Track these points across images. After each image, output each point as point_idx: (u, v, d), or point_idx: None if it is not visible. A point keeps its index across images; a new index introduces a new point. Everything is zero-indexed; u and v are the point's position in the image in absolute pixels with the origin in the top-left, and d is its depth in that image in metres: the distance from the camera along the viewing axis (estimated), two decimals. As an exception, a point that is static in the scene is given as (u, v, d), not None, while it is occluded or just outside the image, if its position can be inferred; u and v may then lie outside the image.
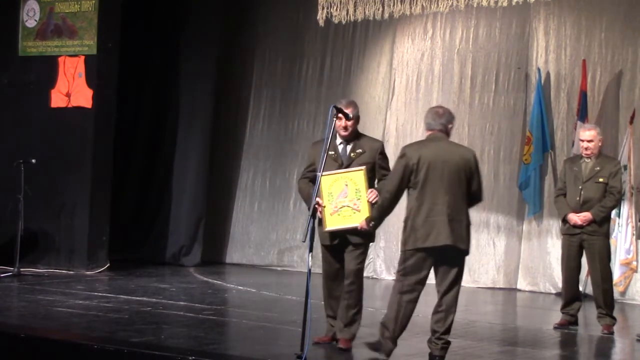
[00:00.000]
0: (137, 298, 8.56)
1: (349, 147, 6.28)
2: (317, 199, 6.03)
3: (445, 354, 5.85)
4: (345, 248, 6.24)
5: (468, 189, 5.93)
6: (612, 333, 7.52)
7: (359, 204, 6.07)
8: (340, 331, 6.27)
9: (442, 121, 5.96)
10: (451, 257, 5.96)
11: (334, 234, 6.20)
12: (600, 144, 7.78)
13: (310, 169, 6.39)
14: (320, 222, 6.22)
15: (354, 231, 6.15)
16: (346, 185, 6.10)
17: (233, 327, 7.72)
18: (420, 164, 5.79)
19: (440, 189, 5.81)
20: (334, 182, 6.12)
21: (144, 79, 12.46)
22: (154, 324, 7.20)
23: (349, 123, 6.19)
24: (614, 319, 7.64)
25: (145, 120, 12.70)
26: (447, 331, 5.95)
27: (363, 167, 6.14)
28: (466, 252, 6.07)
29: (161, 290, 9.31)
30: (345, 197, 6.08)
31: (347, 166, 6.21)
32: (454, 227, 5.87)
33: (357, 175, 6.11)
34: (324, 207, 6.10)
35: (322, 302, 5.80)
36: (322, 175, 5.97)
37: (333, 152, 6.22)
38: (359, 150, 6.26)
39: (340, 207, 6.09)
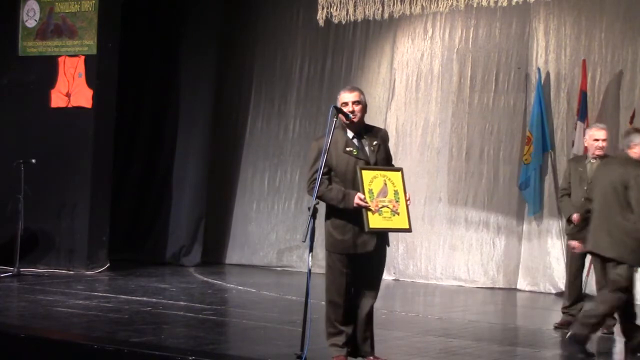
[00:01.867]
0: (137, 298, 8.57)
1: (364, 141, 5.75)
2: (360, 194, 5.53)
3: None
4: (368, 254, 5.72)
5: None
6: (612, 333, 7.53)
7: (397, 207, 5.62)
8: (370, 348, 5.80)
9: None
10: None
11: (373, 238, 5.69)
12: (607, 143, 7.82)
13: (316, 167, 5.62)
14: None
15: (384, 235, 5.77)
16: (385, 184, 5.64)
17: (233, 327, 7.72)
18: None
19: None
20: (373, 179, 5.61)
21: (144, 79, 12.46)
22: (154, 324, 7.20)
23: (357, 108, 5.70)
24: (614, 318, 7.64)
25: (145, 120, 12.71)
26: None
27: (401, 168, 5.77)
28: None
29: (161, 290, 9.31)
30: (384, 197, 5.60)
31: (375, 163, 5.73)
32: None
33: (396, 176, 5.68)
34: (369, 205, 5.54)
35: (322, 303, 5.73)
36: (361, 169, 5.58)
37: (351, 149, 5.69)
38: (375, 142, 5.78)
39: (381, 207, 5.59)
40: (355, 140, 5.74)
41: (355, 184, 5.58)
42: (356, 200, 5.51)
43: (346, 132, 5.74)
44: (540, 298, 10.19)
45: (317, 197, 5.50)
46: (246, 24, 12.73)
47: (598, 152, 7.65)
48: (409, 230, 5.71)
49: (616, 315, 7.53)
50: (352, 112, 5.69)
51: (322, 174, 5.55)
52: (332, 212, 5.67)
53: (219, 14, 12.32)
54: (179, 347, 6.22)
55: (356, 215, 5.56)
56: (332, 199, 5.61)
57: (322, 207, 5.53)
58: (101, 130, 10.99)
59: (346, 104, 5.70)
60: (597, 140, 7.67)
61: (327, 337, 5.73)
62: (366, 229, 5.54)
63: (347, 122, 5.70)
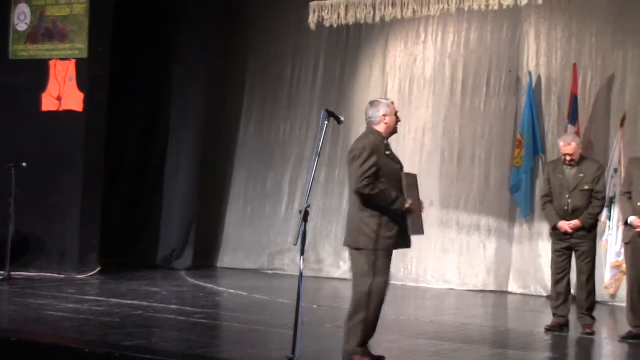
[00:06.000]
0: (129, 302, 8.55)
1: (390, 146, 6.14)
2: (409, 200, 5.86)
3: None
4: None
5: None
6: (592, 333, 7.59)
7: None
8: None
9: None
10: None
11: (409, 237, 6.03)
12: (580, 151, 7.85)
13: (367, 166, 5.80)
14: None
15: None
16: (417, 188, 6.08)
17: (224, 330, 7.72)
18: None
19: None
20: (409, 185, 5.97)
21: (135, 82, 12.44)
22: (145, 328, 7.19)
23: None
24: (594, 318, 7.73)
25: (136, 124, 12.70)
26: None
27: (416, 174, 6.14)
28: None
29: (152, 294, 9.30)
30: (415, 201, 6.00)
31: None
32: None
33: (416, 179, 6.11)
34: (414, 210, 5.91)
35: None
36: (406, 175, 5.95)
37: (389, 152, 6.03)
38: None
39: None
40: (388, 145, 6.08)
41: (398, 187, 5.88)
42: (406, 205, 5.84)
43: (382, 138, 6.02)
44: (531, 301, 10.21)
45: (372, 195, 5.75)
46: (239, 28, 12.72)
47: (568, 162, 7.72)
48: (423, 233, 6.14)
49: (592, 314, 7.62)
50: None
51: (371, 175, 5.78)
52: (379, 211, 5.81)
53: (212, 17, 12.32)
54: (170, 350, 6.22)
55: (397, 216, 5.87)
56: (386, 200, 5.80)
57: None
58: (92, 133, 10.97)
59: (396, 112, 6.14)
60: (565, 154, 7.77)
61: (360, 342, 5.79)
62: (410, 232, 5.92)
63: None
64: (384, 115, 6.01)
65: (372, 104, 6.09)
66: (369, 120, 6.04)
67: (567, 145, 7.80)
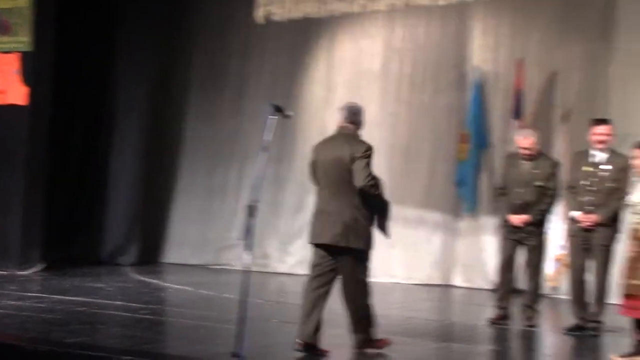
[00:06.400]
0: (72, 298, 8.44)
1: None
2: None
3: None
4: None
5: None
6: (535, 325, 7.69)
7: None
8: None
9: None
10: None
11: None
12: (538, 146, 7.93)
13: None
14: None
15: None
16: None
17: (170, 326, 7.67)
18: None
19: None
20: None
21: (80, 76, 12.28)
22: (89, 324, 7.10)
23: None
24: (537, 311, 7.83)
25: (81, 118, 12.54)
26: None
27: None
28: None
29: (96, 290, 9.19)
30: None
31: None
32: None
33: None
34: None
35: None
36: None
37: None
38: None
39: None
40: None
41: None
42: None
43: None
44: (476, 294, 10.31)
45: (376, 195, 6.05)
46: (185, 22, 12.63)
47: (525, 155, 7.80)
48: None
49: (536, 307, 7.73)
50: None
51: (375, 176, 6.08)
52: (371, 213, 6.11)
53: (158, 11, 12.21)
54: (114, 347, 6.15)
55: (380, 218, 6.25)
56: (383, 203, 6.15)
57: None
58: (36, 127, 10.81)
59: None
60: (522, 148, 7.84)
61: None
62: (388, 235, 6.31)
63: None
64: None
65: (357, 107, 6.53)
66: (359, 123, 6.39)
67: (525, 139, 7.88)
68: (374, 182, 5.98)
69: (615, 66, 10.15)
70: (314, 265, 6.22)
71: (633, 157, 6.31)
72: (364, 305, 6.21)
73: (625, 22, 10.14)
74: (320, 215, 6.15)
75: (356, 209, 6.00)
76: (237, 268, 11.46)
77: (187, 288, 9.78)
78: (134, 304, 8.23)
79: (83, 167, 12.46)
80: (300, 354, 6.02)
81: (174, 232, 12.52)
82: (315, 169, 6.29)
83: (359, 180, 5.95)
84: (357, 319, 6.22)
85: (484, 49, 10.94)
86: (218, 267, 12.01)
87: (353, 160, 5.99)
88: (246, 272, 5.43)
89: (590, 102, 10.27)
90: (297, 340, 6.03)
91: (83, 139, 12.51)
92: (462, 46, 11.09)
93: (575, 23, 10.48)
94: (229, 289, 9.57)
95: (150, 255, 12.27)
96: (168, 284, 10.21)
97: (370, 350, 6.20)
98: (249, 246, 5.49)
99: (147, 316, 7.61)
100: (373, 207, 6.08)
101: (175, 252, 12.44)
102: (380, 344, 6.29)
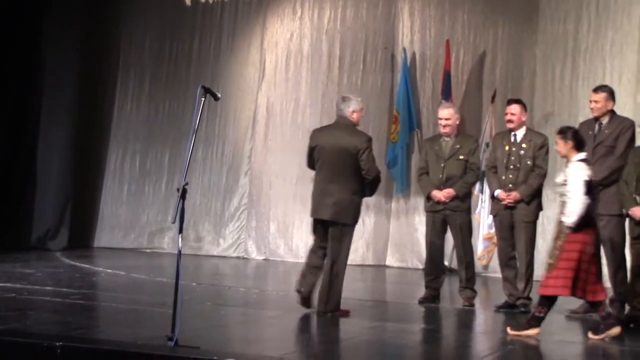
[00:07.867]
0: (0, 284, 8.30)
1: None
2: None
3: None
4: None
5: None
6: (472, 305, 7.79)
7: None
8: None
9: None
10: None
11: None
12: (458, 122, 8.01)
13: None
14: None
15: None
16: None
17: (102, 311, 7.58)
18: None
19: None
20: None
21: (6, 60, 12.01)
22: (19, 310, 6.99)
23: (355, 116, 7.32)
24: (475, 291, 7.91)
25: (8, 103, 12.27)
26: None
27: None
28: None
29: (26, 276, 9.04)
30: None
31: None
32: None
33: None
34: None
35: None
36: None
37: None
38: None
39: None
40: None
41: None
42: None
43: None
44: (408, 274, 10.44)
45: (378, 180, 7.15)
46: (113, 4, 12.45)
47: (443, 131, 7.91)
48: None
49: (476, 289, 7.84)
50: None
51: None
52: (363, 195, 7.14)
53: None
54: (45, 333, 6.05)
55: None
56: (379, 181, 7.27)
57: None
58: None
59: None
60: (440, 119, 7.94)
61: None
62: None
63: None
64: (356, 111, 7.29)
65: (355, 100, 7.32)
66: (357, 114, 7.25)
67: (443, 109, 7.96)
68: (379, 171, 7.02)
69: (540, 47, 10.34)
70: (315, 235, 7.19)
71: (555, 143, 6.43)
72: (339, 273, 6.99)
73: (549, 5, 10.33)
74: (321, 194, 7.04)
75: (354, 194, 6.97)
76: (171, 251, 11.46)
77: (119, 272, 9.69)
78: (65, 289, 8.13)
79: (11, 151, 12.21)
80: (229, 337, 6.06)
81: (106, 216, 12.40)
82: (314, 154, 7.14)
83: (371, 173, 6.93)
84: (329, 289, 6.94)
85: (412, 30, 11.05)
86: (151, 250, 11.94)
87: (358, 152, 6.89)
88: (179, 255, 5.41)
89: (517, 82, 10.47)
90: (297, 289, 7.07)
91: (10, 122, 12.24)
92: (391, 28, 11.19)
93: (501, 4, 10.65)
94: (162, 272, 9.53)
95: (81, 239, 12.13)
96: (100, 268, 10.09)
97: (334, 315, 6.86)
98: (181, 229, 5.47)
99: (79, 301, 7.52)
100: (369, 188, 7.07)
101: (106, 236, 12.33)
102: (343, 312, 6.95)
